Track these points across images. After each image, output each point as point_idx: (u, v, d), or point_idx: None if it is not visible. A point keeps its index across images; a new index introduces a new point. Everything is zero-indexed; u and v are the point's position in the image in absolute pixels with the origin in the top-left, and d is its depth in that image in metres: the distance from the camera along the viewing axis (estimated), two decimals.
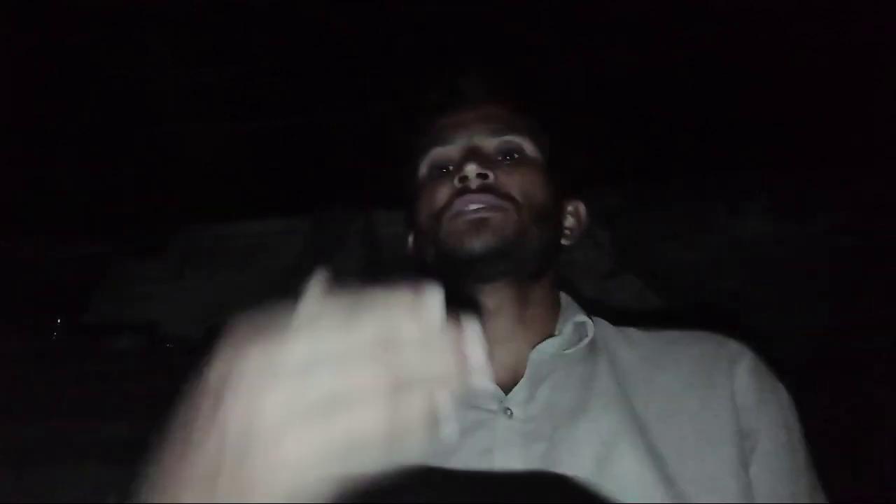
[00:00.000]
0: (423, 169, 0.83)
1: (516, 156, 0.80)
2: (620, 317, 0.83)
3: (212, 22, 1.49)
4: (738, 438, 0.67)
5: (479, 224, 0.73)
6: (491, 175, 0.76)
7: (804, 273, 1.86)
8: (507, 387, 0.72)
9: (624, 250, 2.02)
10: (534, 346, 0.75)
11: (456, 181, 0.76)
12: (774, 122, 1.72)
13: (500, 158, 0.80)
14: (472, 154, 0.77)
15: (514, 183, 0.77)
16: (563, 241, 0.85)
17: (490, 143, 0.80)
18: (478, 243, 0.72)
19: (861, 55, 1.56)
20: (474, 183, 0.75)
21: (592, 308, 0.83)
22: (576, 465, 0.64)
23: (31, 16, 1.40)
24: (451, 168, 0.80)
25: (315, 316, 0.35)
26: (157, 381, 1.77)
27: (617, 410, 0.68)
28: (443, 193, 0.78)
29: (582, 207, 0.90)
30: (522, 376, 0.73)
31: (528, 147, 0.81)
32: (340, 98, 1.70)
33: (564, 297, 0.84)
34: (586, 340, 0.76)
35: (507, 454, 0.66)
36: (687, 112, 1.74)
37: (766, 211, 1.99)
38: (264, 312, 0.36)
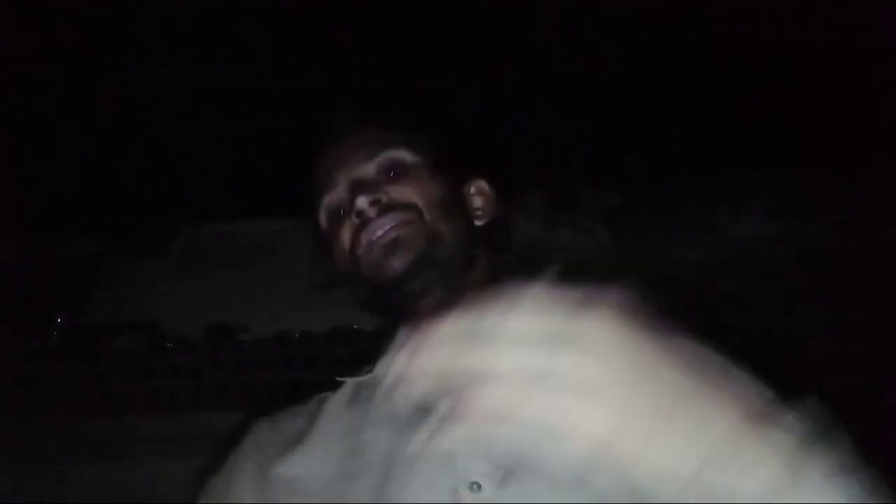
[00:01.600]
0: (323, 219, 0.84)
1: (399, 168, 0.81)
2: None
3: (212, 22, 1.49)
4: None
5: (392, 244, 0.74)
6: (383, 196, 0.77)
7: (804, 273, 1.86)
8: None
9: (624, 250, 2.02)
10: None
11: (354, 218, 0.77)
12: (775, 121, 1.72)
13: (385, 178, 0.80)
14: (358, 187, 0.78)
15: (408, 192, 0.78)
16: (478, 223, 0.86)
17: (370, 168, 0.81)
18: (397, 262, 0.73)
19: (862, 54, 1.56)
20: (371, 212, 0.76)
21: None
22: (542, 465, 0.62)
23: (31, 16, 1.40)
24: (343, 207, 0.80)
25: None
26: (157, 381, 1.77)
27: None
28: (346, 234, 0.79)
29: (483, 185, 0.90)
30: None
31: (406, 155, 0.82)
32: (340, 98, 1.70)
33: None
34: None
35: (469, 454, 0.66)
36: (687, 111, 1.74)
37: (766, 210, 1.99)
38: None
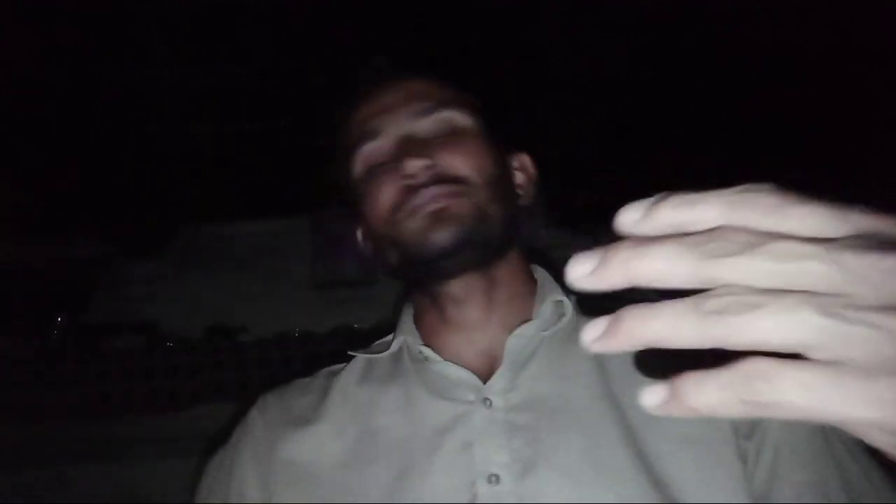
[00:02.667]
0: (359, 168, 0.75)
1: (454, 132, 0.73)
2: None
3: (212, 22, 1.49)
4: (734, 439, 0.63)
5: (440, 215, 0.67)
6: (436, 163, 0.69)
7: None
8: (484, 375, 0.69)
9: None
10: (511, 331, 0.71)
11: (401, 179, 0.70)
12: (776, 121, 1.72)
13: (438, 140, 0.72)
14: (409, 145, 0.70)
15: (461, 161, 0.70)
16: (520, 203, 0.79)
17: (423, 125, 0.72)
18: (442, 236, 0.67)
19: (862, 54, 1.56)
20: (422, 177, 0.69)
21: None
22: (563, 458, 0.62)
23: (31, 16, 1.40)
24: (388, 162, 0.72)
25: None
26: (157, 381, 1.77)
27: (602, 408, 0.66)
28: (389, 192, 0.70)
29: (527, 160, 0.83)
30: (500, 362, 0.70)
31: (462, 118, 0.74)
32: (340, 98, 1.70)
33: (541, 273, 0.79)
34: (565, 320, 0.73)
35: (489, 446, 0.64)
36: (687, 111, 1.74)
37: None
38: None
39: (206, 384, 1.76)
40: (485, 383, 0.69)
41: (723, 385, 0.25)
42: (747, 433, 0.64)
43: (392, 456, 0.67)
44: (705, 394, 0.25)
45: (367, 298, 1.81)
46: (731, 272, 0.25)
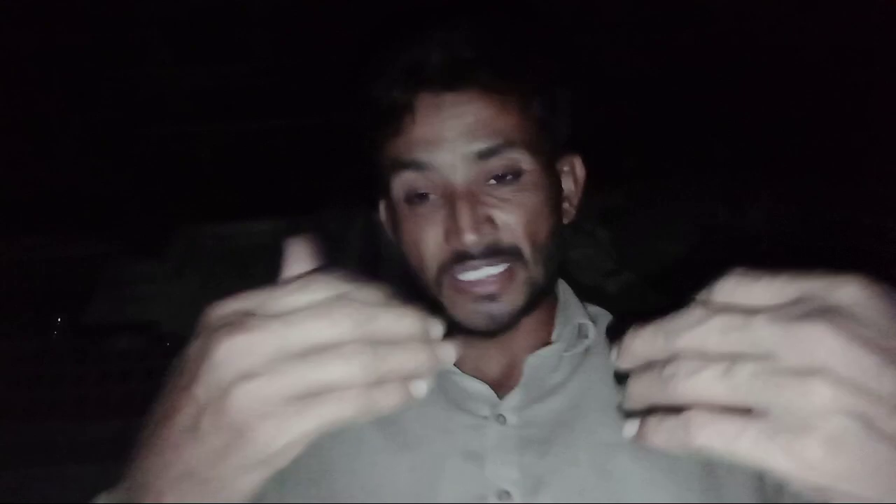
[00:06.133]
0: (398, 191, 0.65)
1: (512, 176, 0.64)
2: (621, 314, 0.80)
3: (212, 22, 1.49)
4: None
5: (488, 299, 0.64)
6: (489, 234, 0.63)
7: (804, 273, 1.86)
8: (503, 390, 0.69)
9: (624, 250, 2.02)
10: (532, 348, 0.71)
11: (451, 243, 0.63)
12: (775, 121, 1.72)
13: (493, 185, 0.63)
14: (462, 203, 0.61)
15: (517, 224, 0.63)
16: (566, 221, 0.73)
17: (481, 170, 0.63)
18: (486, 322, 0.64)
19: (861, 54, 1.56)
20: (475, 245, 0.62)
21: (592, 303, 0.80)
22: (576, 475, 0.62)
23: (31, 16, 1.40)
24: (437, 206, 0.64)
25: (294, 297, 0.36)
26: (157, 381, 1.77)
27: (617, 426, 0.65)
28: (434, 245, 0.64)
29: (578, 163, 0.74)
30: (517, 378, 0.69)
31: (528, 162, 0.64)
32: (340, 98, 1.70)
33: (563, 289, 0.76)
34: (586, 342, 0.72)
35: (499, 462, 0.64)
36: (687, 111, 1.74)
37: (766, 210, 1.99)
38: (239, 298, 0.37)
39: None
40: (501, 399, 0.68)
41: (670, 428, 0.32)
42: None
43: (405, 454, 0.66)
44: (659, 433, 0.33)
45: None
46: (689, 344, 0.33)
